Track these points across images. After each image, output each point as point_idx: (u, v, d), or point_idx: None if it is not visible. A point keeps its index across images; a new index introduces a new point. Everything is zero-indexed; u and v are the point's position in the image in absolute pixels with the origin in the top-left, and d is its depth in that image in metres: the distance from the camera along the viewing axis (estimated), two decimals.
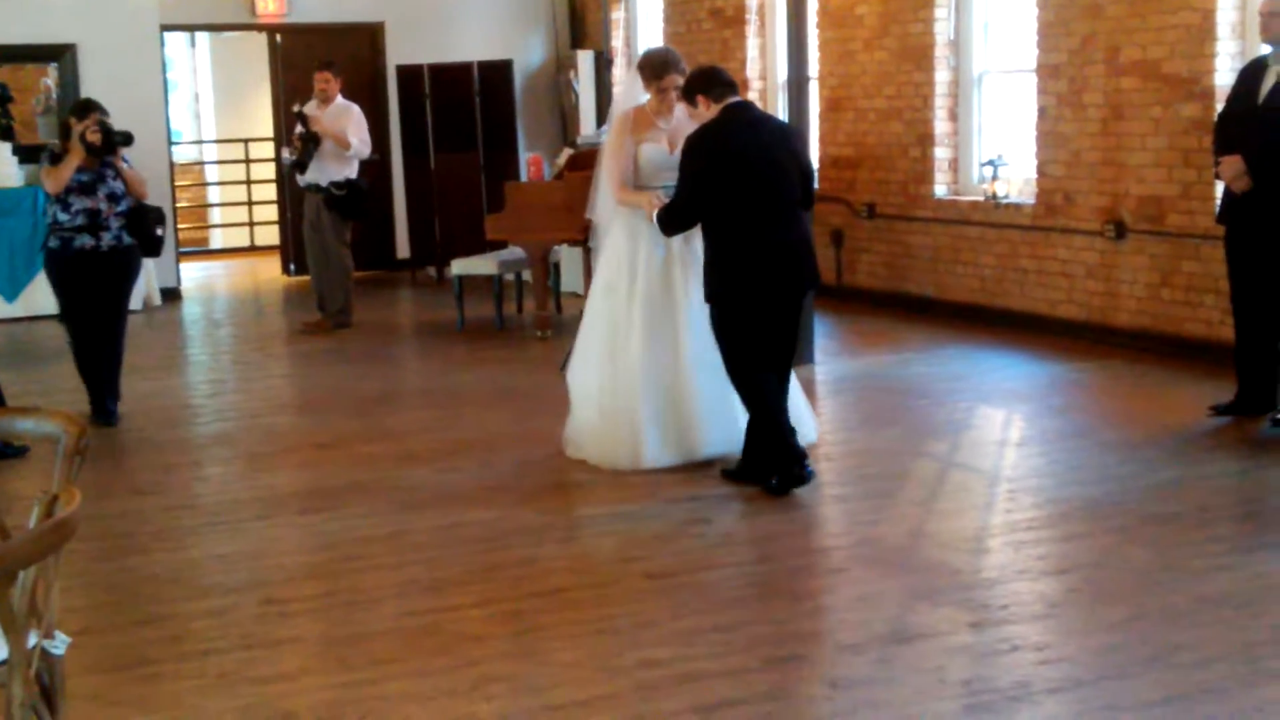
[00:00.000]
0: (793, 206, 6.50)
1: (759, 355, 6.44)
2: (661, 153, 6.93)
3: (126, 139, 8.32)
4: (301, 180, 11.54)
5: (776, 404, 6.45)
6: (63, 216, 8.11)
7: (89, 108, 8.35)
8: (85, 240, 8.12)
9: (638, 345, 6.83)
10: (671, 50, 7.39)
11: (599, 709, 4.19)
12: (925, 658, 4.51)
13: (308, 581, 5.50)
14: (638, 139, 6.96)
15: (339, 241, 11.53)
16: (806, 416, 7.01)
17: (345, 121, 11.31)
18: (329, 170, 11.35)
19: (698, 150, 6.42)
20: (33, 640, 3.14)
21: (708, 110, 6.49)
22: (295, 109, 11.57)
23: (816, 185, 10.95)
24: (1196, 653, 4.48)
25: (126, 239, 8.24)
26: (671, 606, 5.08)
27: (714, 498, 6.41)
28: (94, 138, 8.08)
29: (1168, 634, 4.64)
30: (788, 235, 6.44)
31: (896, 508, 6.24)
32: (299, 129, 11.39)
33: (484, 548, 5.79)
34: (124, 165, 8.25)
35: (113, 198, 8.16)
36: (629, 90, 7.36)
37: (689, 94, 6.61)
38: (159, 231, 8.49)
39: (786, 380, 6.62)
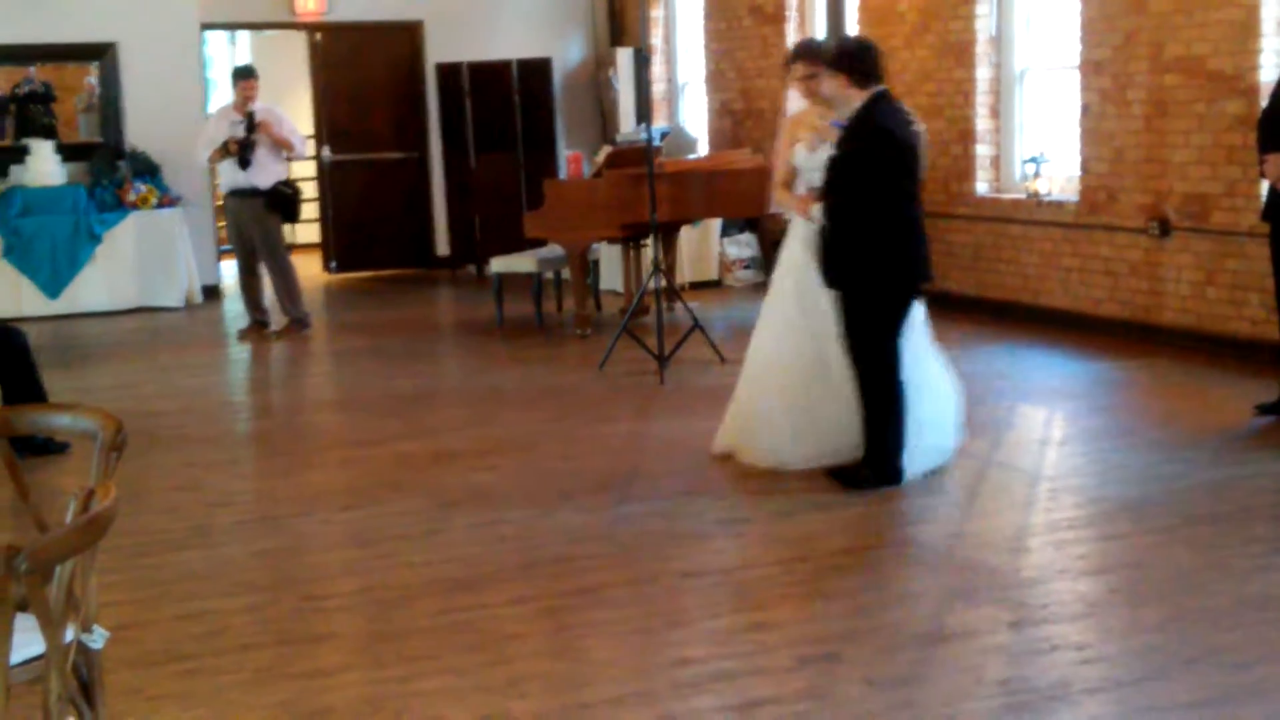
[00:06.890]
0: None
1: (895, 345, 6.36)
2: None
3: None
4: (232, 183, 11.35)
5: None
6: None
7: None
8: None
9: (784, 345, 6.76)
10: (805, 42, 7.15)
11: (634, 707, 4.18)
12: (963, 657, 4.48)
13: (345, 578, 5.52)
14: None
15: (282, 242, 11.57)
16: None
17: (280, 123, 11.30)
18: (271, 171, 11.27)
19: (859, 135, 6.24)
20: (70, 634, 3.15)
21: (843, 90, 6.31)
22: (247, 111, 11.31)
23: None
24: (1238, 654, 4.43)
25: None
26: (708, 605, 5.08)
27: (752, 496, 6.39)
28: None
29: (1209, 635, 4.60)
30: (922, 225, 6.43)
31: (936, 507, 6.20)
32: (241, 131, 11.18)
33: (520, 545, 5.79)
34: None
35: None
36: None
37: (837, 64, 6.35)
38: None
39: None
